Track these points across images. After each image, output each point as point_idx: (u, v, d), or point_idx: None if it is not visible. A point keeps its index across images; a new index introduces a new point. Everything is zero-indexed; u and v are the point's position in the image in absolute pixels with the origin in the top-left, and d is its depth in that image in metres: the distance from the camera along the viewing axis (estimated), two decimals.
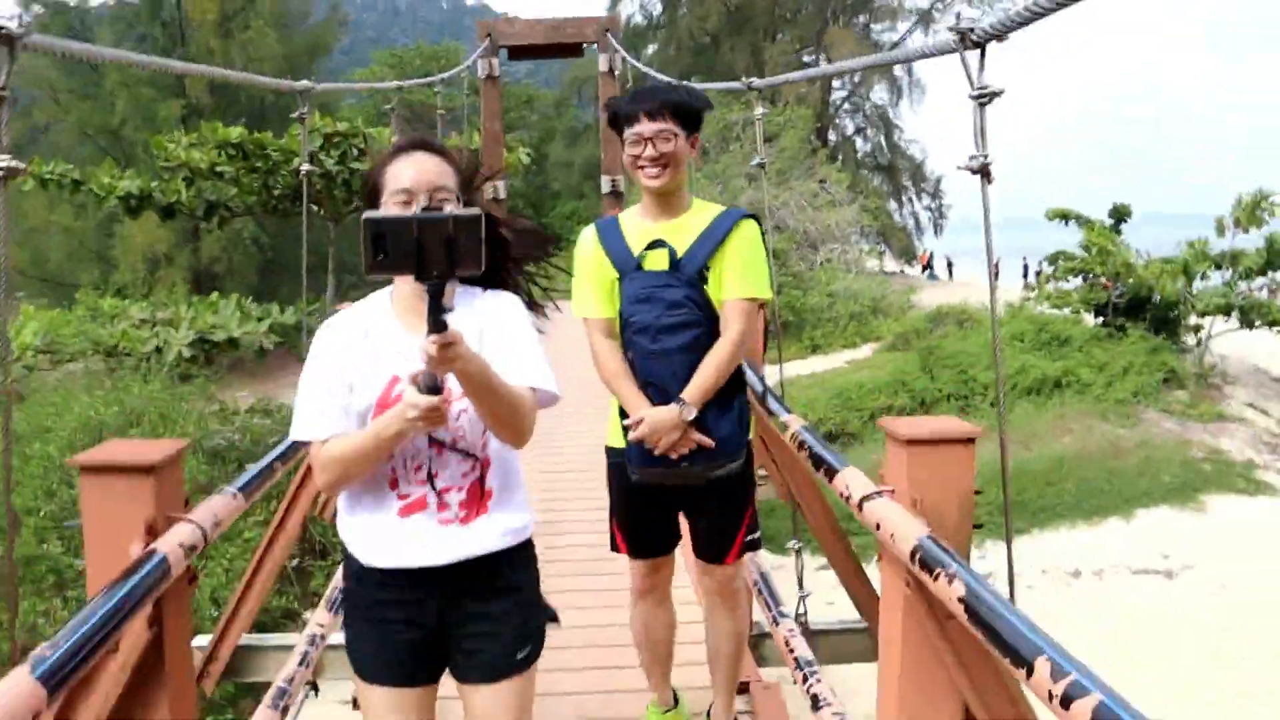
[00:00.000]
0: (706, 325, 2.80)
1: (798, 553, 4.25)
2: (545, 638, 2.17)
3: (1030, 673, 1.41)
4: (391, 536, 1.97)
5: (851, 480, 2.38)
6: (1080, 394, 19.55)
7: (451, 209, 1.65)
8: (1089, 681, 1.31)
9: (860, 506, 2.23)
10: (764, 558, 4.11)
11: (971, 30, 2.13)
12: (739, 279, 2.84)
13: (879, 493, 2.20)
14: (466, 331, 1.74)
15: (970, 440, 2.14)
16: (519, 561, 2.09)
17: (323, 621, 3.19)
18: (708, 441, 2.76)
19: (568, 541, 5.58)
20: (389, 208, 1.90)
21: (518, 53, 15.83)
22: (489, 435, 2.00)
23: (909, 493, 2.11)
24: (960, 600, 1.68)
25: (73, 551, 10.04)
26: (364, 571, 2.02)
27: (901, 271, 41.99)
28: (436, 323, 1.62)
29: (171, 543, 1.95)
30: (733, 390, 2.85)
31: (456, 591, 2.01)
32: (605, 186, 14.63)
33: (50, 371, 14.63)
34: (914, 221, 45.00)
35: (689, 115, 2.88)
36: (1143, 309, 22.86)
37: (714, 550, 3.04)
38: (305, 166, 4.63)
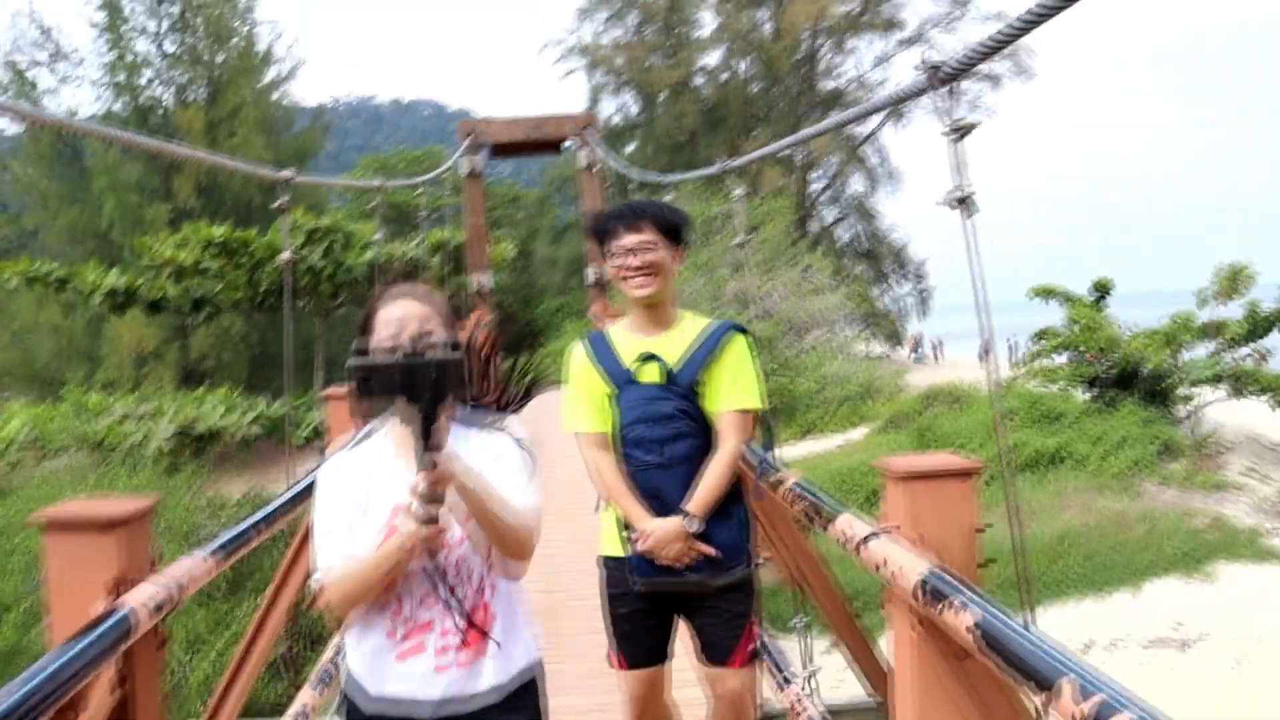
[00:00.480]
0: (702, 436, 2.86)
1: (805, 628, 4.09)
2: None
3: (1055, 696, 1.31)
4: (391, 679, 1.98)
5: (850, 524, 2.29)
6: (1077, 468, 19.41)
7: (434, 353, 1.68)
8: (1121, 699, 1.21)
9: (861, 548, 2.14)
10: (769, 638, 3.94)
11: (939, 67, 2.13)
12: (731, 392, 2.88)
13: (880, 532, 2.12)
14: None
15: (969, 474, 2.07)
16: (523, 702, 2.08)
17: (308, 702, 3.04)
18: (711, 551, 2.80)
19: (566, 650, 5.41)
20: (380, 341, 1.99)
21: (500, 151, 16.07)
22: (489, 577, 2.03)
23: (911, 530, 2.03)
24: (973, 629, 1.59)
25: None
26: (359, 713, 2.02)
27: (888, 355, 42.17)
28: (424, 460, 1.69)
29: (137, 599, 1.84)
30: (732, 499, 2.89)
31: None
32: (590, 277, 14.72)
33: (35, 468, 14.46)
34: (898, 306, 45.39)
35: (669, 227, 2.94)
36: (1132, 381, 22.88)
37: (719, 654, 3.00)
38: (286, 254, 4.64)
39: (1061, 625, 13.86)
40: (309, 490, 3.12)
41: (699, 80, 43.77)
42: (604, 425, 2.93)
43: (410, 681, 1.96)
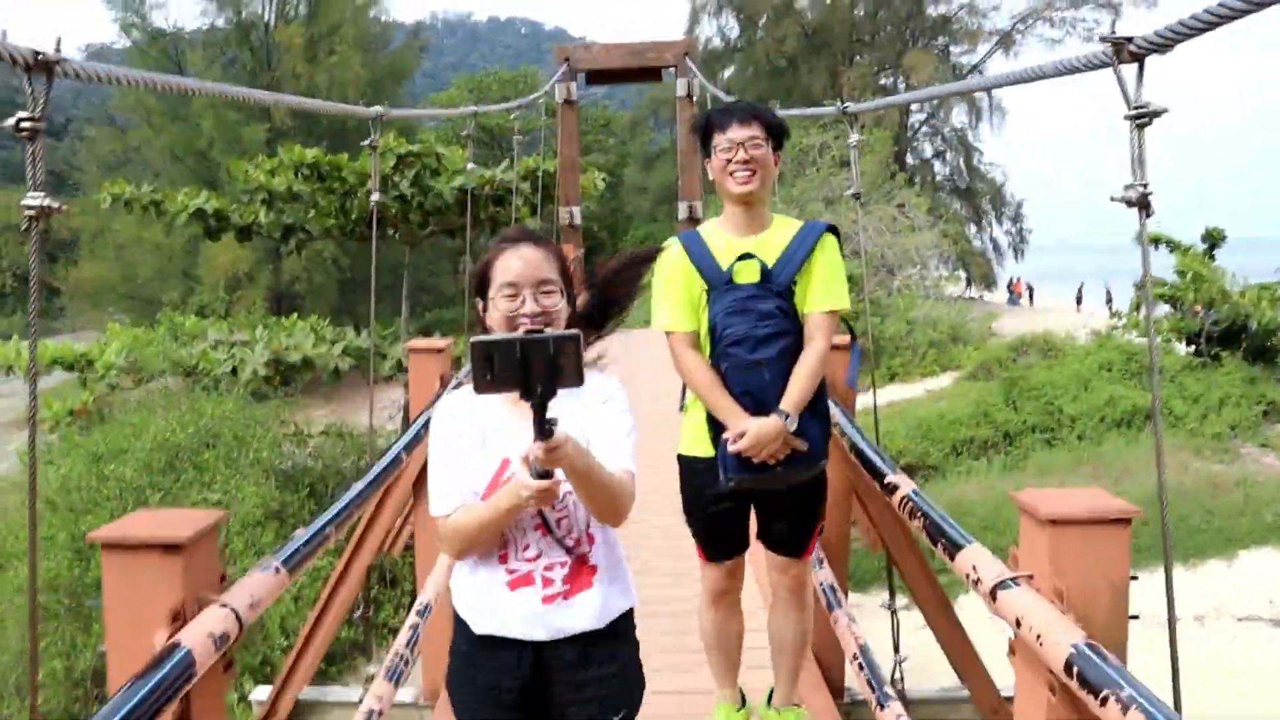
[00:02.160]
0: (796, 335, 2.93)
1: (893, 613, 3.95)
2: (641, 702, 2.26)
3: None
4: (499, 607, 2.11)
5: (979, 561, 2.05)
6: (1173, 427, 18.71)
7: (552, 330, 1.78)
8: None
9: (993, 595, 1.90)
10: (856, 611, 3.79)
11: (1129, 40, 1.83)
12: (824, 292, 2.97)
13: (1014, 579, 1.88)
14: (570, 418, 1.87)
15: (1126, 520, 1.81)
16: (620, 634, 2.21)
17: (380, 694, 2.98)
18: (802, 446, 2.88)
19: (640, 552, 5.49)
20: (496, 302, 2.07)
21: (595, 78, 15.74)
22: (590, 519, 2.13)
23: (1052, 580, 1.79)
24: None
25: None
26: (472, 638, 2.15)
27: (981, 297, 41.10)
28: (542, 433, 1.74)
29: (199, 633, 1.71)
30: (817, 394, 2.96)
31: (558, 662, 2.13)
32: (682, 212, 14.41)
33: (132, 391, 14.80)
34: (993, 246, 44.06)
35: (775, 129, 3.02)
36: (1238, 337, 21.91)
37: (791, 547, 3.15)
38: (375, 196, 4.48)
39: (1148, 594, 13.31)
40: (379, 480, 3.00)
41: (802, 2, 42.41)
42: (696, 323, 3.00)
43: (519, 609, 2.09)
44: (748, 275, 2.94)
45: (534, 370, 1.68)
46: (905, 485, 2.75)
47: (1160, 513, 2.01)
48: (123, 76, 2.16)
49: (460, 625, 2.20)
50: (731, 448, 2.86)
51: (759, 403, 2.88)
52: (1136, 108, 1.82)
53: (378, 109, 4.49)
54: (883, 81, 41.04)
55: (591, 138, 41.83)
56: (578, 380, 1.71)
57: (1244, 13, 1.64)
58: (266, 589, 1.98)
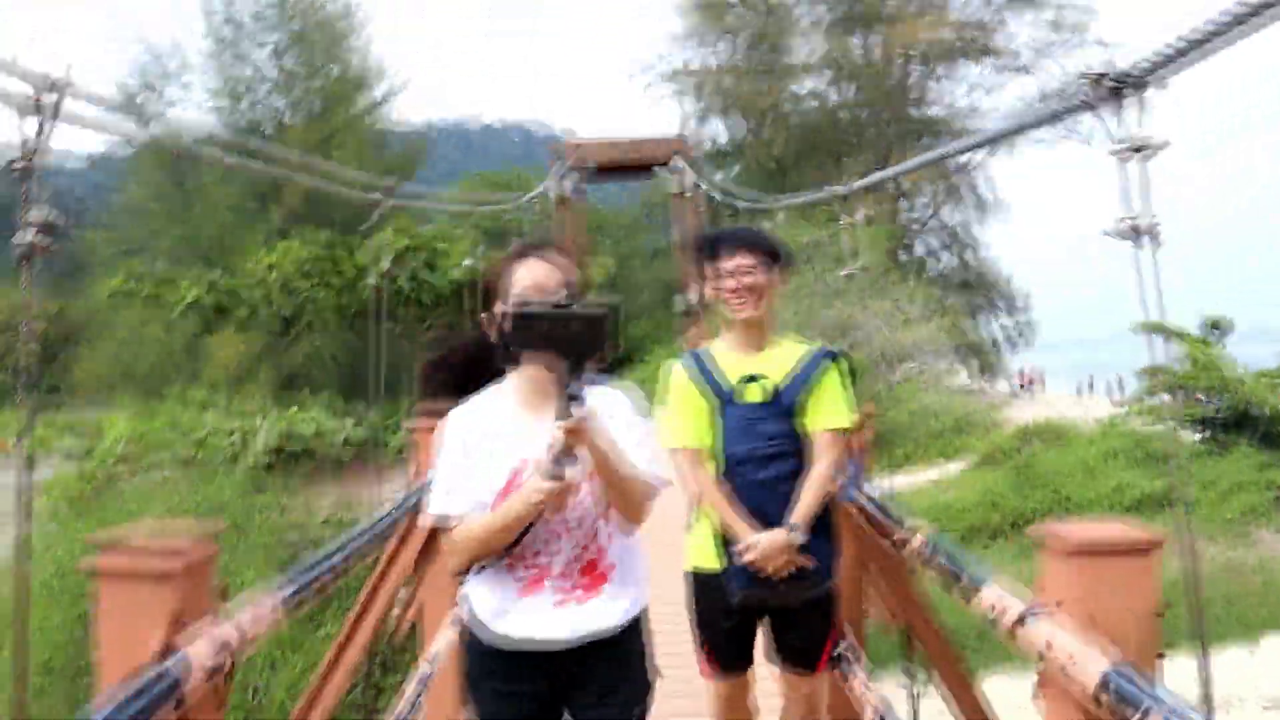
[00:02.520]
0: (800, 455, 2.98)
1: (912, 678, 3.84)
2: (653, 701, 2.27)
3: None
4: (511, 613, 2.10)
5: (999, 597, 1.97)
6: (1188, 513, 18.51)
7: (580, 306, 1.80)
8: None
9: (1018, 627, 1.82)
10: (882, 691, 3.67)
11: (1105, 75, 1.82)
12: (830, 412, 3.02)
13: (1039, 609, 1.80)
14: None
15: (1149, 548, 1.75)
16: (632, 632, 2.21)
17: None
18: (810, 563, 2.90)
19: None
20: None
21: (600, 171, 15.99)
22: (603, 521, 2.14)
23: (1079, 610, 1.72)
24: None
25: None
26: (481, 647, 2.14)
27: (985, 388, 41.07)
28: (567, 407, 1.78)
29: (193, 659, 1.63)
30: (825, 513, 2.98)
31: (572, 663, 2.12)
32: (680, 304, 14.51)
33: (130, 479, 14.71)
34: (999, 338, 44.18)
35: (770, 252, 3.08)
36: (1246, 424, 21.87)
37: (804, 661, 3.15)
38: (372, 279, 4.50)
39: (1170, 681, 13.06)
40: (388, 530, 2.94)
41: (791, 106, 43.31)
42: (705, 440, 3.03)
43: (530, 616, 2.09)
44: (753, 395, 3.01)
45: (564, 339, 1.74)
46: (922, 531, 2.69)
47: (1194, 593, 1.96)
48: (122, 130, 2.15)
49: (471, 638, 2.18)
50: (743, 559, 2.90)
51: (767, 521, 2.92)
52: (1119, 142, 1.81)
53: (376, 195, 4.56)
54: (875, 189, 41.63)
55: (590, 236, 42.24)
56: (602, 355, 1.77)
57: (1224, 31, 1.64)
58: (259, 624, 1.91)
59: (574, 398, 1.77)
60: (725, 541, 2.97)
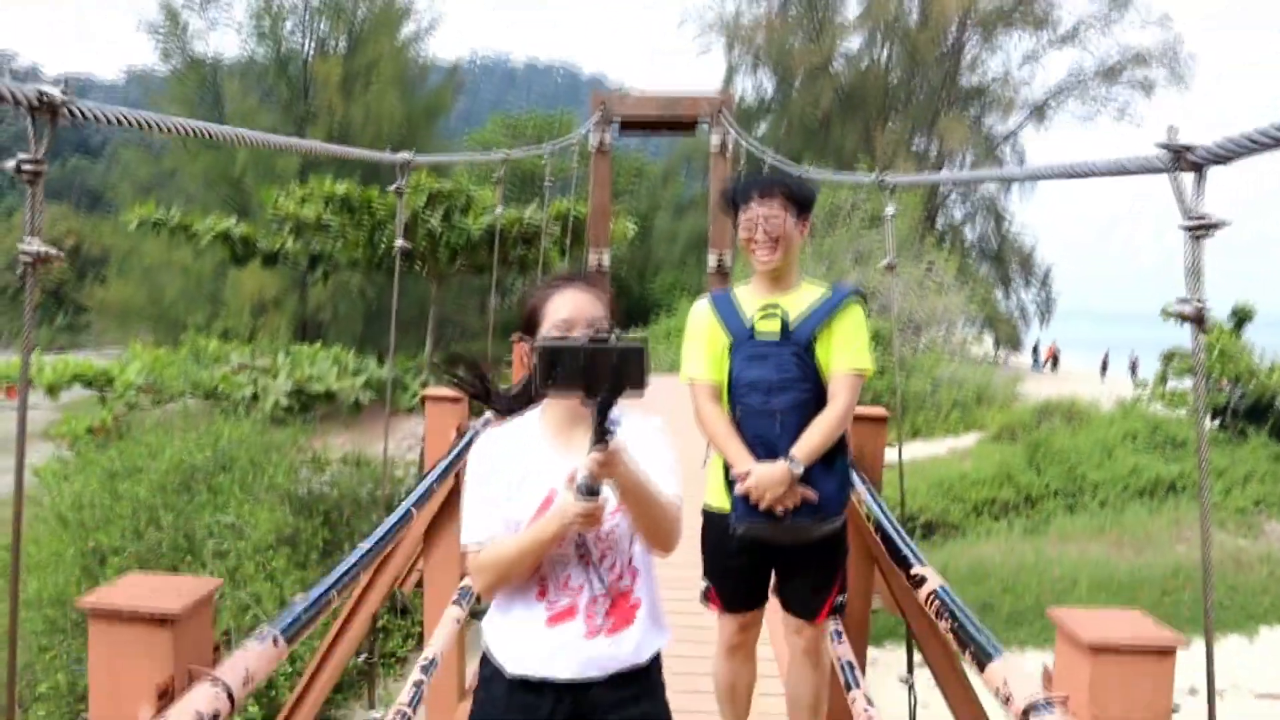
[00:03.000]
0: (813, 388, 2.96)
1: (910, 688, 3.81)
2: None
3: None
4: (538, 645, 2.04)
5: (1011, 676, 1.92)
6: (1197, 499, 18.51)
7: (616, 339, 1.78)
8: None
9: (1025, 717, 1.79)
10: (871, 682, 3.66)
11: (1189, 149, 1.74)
12: (846, 353, 3.00)
13: (1050, 701, 1.76)
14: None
15: (1170, 651, 1.71)
16: (655, 670, 2.17)
17: None
18: (812, 495, 2.89)
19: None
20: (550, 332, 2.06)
21: (630, 126, 15.75)
22: (635, 549, 2.10)
23: (1089, 709, 1.68)
24: None
25: None
26: (506, 681, 2.07)
27: (1006, 360, 40.87)
28: (601, 438, 1.75)
29: (187, 712, 1.60)
30: (836, 451, 2.97)
31: (594, 698, 2.06)
32: (711, 262, 14.36)
33: (149, 411, 14.82)
34: (1020, 311, 43.88)
35: (798, 200, 3.08)
36: (1264, 414, 21.76)
37: (806, 609, 3.16)
38: (400, 242, 4.42)
39: (1180, 668, 13.10)
40: (387, 538, 2.90)
41: (838, 64, 42.67)
42: (719, 375, 3.06)
43: (560, 645, 2.03)
44: (769, 327, 3.02)
45: (598, 375, 1.72)
46: (933, 580, 2.62)
47: (1205, 594, 1.90)
48: (129, 117, 2.08)
49: (491, 670, 2.12)
50: (737, 489, 2.92)
51: (770, 450, 2.92)
52: (1193, 218, 1.72)
53: (404, 155, 4.43)
54: (915, 146, 41.10)
55: (623, 184, 41.99)
56: (640, 388, 1.73)
57: None
58: (263, 662, 1.84)
59: (608, 433, 1.75)
60: (730, 478, 2.99)
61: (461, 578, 4.20)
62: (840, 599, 3.19)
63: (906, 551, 2.91)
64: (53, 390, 14.11)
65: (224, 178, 32.37)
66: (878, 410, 4.03)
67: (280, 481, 11.88)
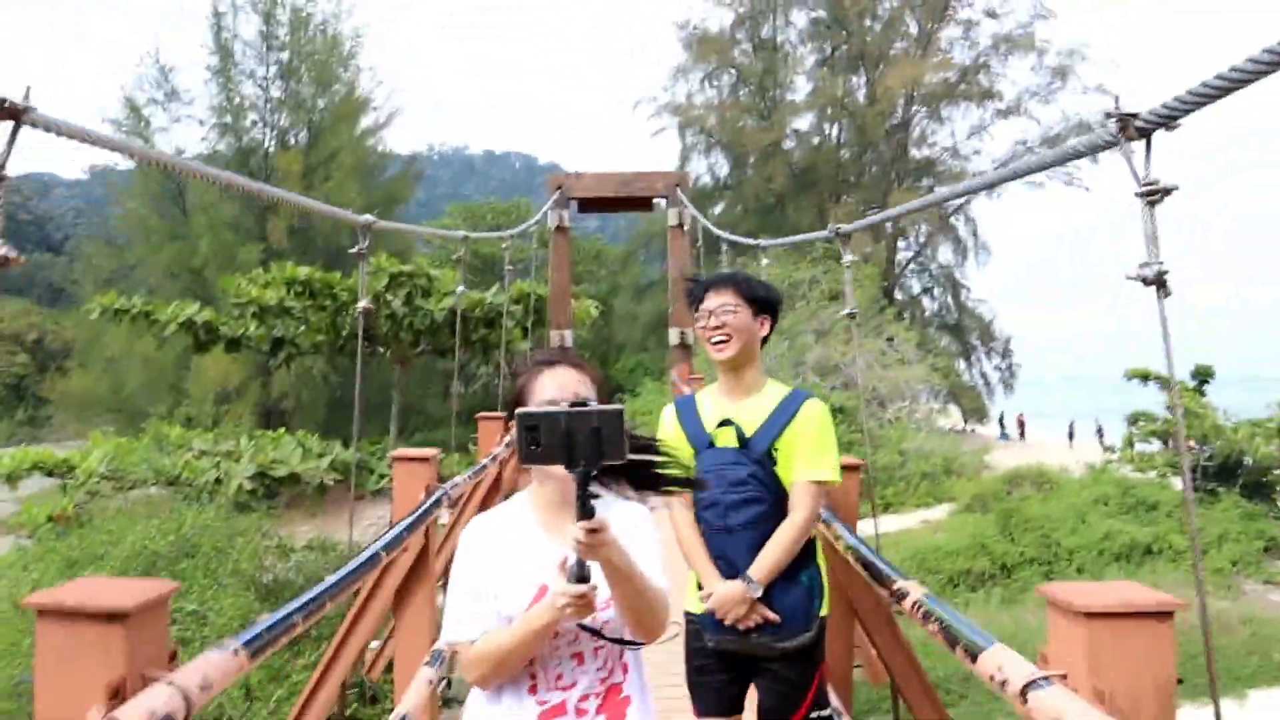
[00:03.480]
0: (771, 503, 2.90)
1: None
2: None
3: None
4: None
5: (1004, 661, 1.86)
6: (1174, 562, 18.49)
7: (596, 405, 1.74)
8: None
9: (1024, 697, 1.72)
10: None
11: (1135, 116, 1.77)
12: (806, 461, 2.92)
13: (1047, 678, 1.69)
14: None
15: (1168, 614, 1.65)
16: None
17: None
18: (773, 617, 2.87)
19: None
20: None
21: (588, 205, 15.95)
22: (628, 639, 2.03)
23: (1089, 679, 1.61)
24: None
25: None
26: None
27: (972, 430, 41.09)
28: (585, 509, 1.71)
29: (139, 712, 1.51)
30: (800, 564, 2.92)
31: None
32: (674, 338, 14.42)
33: (111, 498, 14.50)
34: (983, 380, 44.31)
35: (754, 295, 3.06)
36: (1234, 473, 21.88)
37: (775, 716, 3.04)
38: (363, 303, 4.43)
39: None
40: (356, 573, 2.82)
41: (790, 143, 43.61)
42: None
43: None
44: (726, 440, 2.97)
45: (578, 442, 1.68)
46: (915, 590, 2.57)
47: (1209, 654, 1.85)
48: (97, 138, 2.05)
49: None
50: (701, 607, 2.94)
51: (732, 568, 2.90)
52: (1146, 184, 1.74)
53: (367, 217, 4.48)
54: (869, 222, 41.79)
55: (584, 268, 42.35)
56: (621, 455, 1.69)
57: (1245, 82, 1.60)
58: (222, 671, 1.74)
59: (592, 497, 1.71)
60: (701, 586, 3.00)
61: (434, 641, 4.07)
62: (818, 714, 3.09)
63: (885, 569, 2.85)
64: (11, 479, 13.82)
65: (186, 268, 32.41)
66: (849, 459, 4.00)
67: (244, 567, 11.60)
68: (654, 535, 2.10)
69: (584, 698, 1.99)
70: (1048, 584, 1.76)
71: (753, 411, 3.00)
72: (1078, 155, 2.08)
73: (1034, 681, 1.69)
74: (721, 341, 3.00)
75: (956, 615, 2.23)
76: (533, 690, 1.99)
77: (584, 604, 1.78)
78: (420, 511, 3.94)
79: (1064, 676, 1.68)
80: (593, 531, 1.71)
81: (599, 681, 2.00)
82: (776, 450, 2.93)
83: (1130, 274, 1.81)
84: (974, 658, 1.98)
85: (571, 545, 1.74)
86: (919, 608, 2.42)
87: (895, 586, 2.72)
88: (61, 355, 41.76)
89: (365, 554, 3.05)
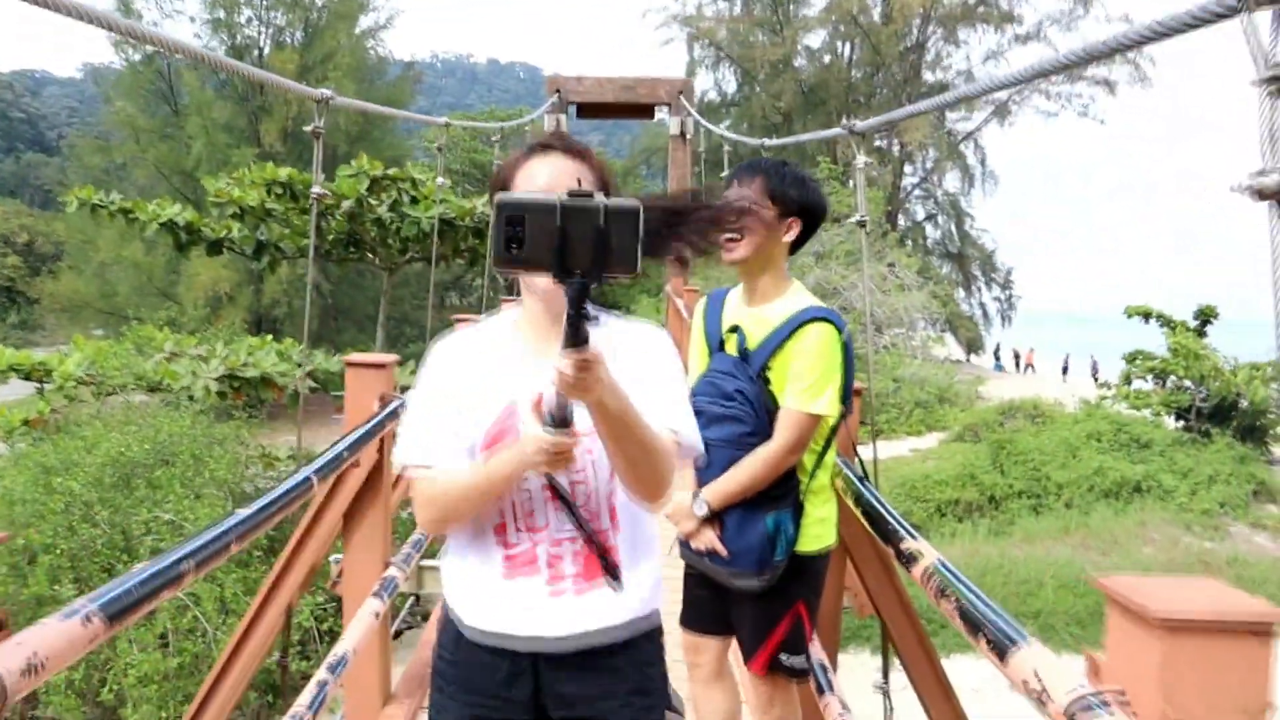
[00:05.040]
0: (756, 423, 2.64)
1: (885, 695, 3.45)
2: None
3: None
4: (494, 598, 1.68)
5: (1043, 667, 1.51)
6: (1162, 500, 18.46)
7: (603, 198, 1.29)
8: None
9: (1076, 715, 1.36)
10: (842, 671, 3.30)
11: None
12: (793, 387, 2.61)
13: (1101, 698, 1.35)
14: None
15: (1267, 630, 1.27)
16: (641, 649, 1.75)
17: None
18: (719, 548, 2.64)
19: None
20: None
21: (587, 111, 15.40)
22: (617, 486, 1.67)
23: (1158, 703, 1.26)
24: None
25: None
26: (459, 638, 1.72)
27: (968, 361, 40.95)
28: (576, 334, 1.31)
29: None
30: (766, 504, 2.64)
31: (561, 674, 1.68)
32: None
33: (89, 404, 14.19)
34: (982, 311, 44.00)
35: (783, 193, 2.69)
36: (1229, 415, 21.75)
37: (744, 650, 2.84)
38: (316, 189, 4.01)
39: None
40: (271, 508, 2.47)
41: (800, 60, 42.55)
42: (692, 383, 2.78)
43: (518, 603, 1.66)
44: (730, 348, 2.72)
45: (575, 244, 1.27)
46: (929, 554, 2.21)
47: None
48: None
49: (445, 623, 1.77)
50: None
51: (703, 482, 2.67)
52: (1272, 66, 1.34)
53: (324, 91, 4.04)
54: (877, 142, 41.08)
55: None
56: (632, 265, 1.29)
57: None
58: (63, 645, 1.35)
59: (585, 319, 1.30)
60: None
61: (386, 567, 3.78)
62: (789, 661, 2.79)
63: (895, 524, 2.50)
64: None
65: (177, 170, 31.77)
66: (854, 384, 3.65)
67: (223, 476, 11.37)
68: (673, 367, 1.74)
69: (557, 544, 1.67)
70: (1110, 578, 1.38)
71: (760, 323, 2.70)
72: (1183, 29, 1.64)
73: (1084, 701, 1.35)
74: (732, 241, 2.64)
75: (979, 594, 1.86)
76: (499, 530, 1.68)
77: (561, 456, 1.47)
78: (372, 424, 3.60)
79: (1123, 696, 1.33)
80: (583, 364, 1.33)
81: (579, 528, 1.66)
82: (770, 370, 2.64)
83: (1239, 184, 1.40)
84: (1001, 654, 1.62)
85: (553, 379, 1.37)
86: (931, 577, 2.07)
87: (903, 546, 2.37)
88: (53, 258, 41.37)
89: (291, 481, 2.69)
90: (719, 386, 2.68)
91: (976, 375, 32.58)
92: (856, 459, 3.47)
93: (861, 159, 3.76)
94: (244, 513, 2.23)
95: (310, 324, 4.72)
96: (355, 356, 3.92)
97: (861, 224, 3.76)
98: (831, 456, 2.86)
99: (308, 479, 2.74)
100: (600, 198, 1.29)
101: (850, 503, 2.95)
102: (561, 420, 1.43)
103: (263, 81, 3.78)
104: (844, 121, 3.74)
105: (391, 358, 3.96)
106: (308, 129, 4.01)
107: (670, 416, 1.66)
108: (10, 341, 39.53)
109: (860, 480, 3.03)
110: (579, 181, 1.64)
